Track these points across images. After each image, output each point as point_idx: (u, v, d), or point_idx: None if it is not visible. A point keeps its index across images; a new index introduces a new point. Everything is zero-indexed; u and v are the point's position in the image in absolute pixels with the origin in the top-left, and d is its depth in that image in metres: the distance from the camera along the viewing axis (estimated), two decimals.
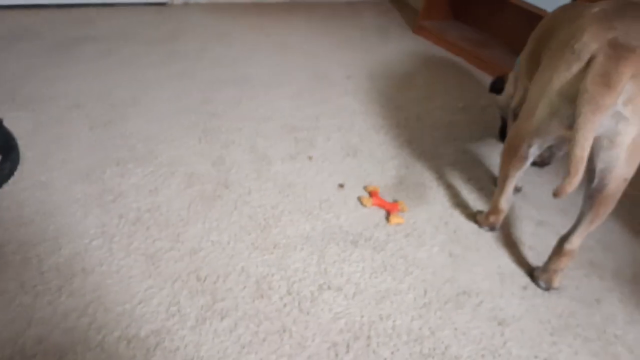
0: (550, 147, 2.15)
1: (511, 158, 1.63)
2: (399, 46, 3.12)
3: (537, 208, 1.96)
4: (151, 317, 1.28)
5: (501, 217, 1.77)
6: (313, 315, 1.37)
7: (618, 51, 1.28)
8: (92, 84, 2.13)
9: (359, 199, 1.81)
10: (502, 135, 2.30)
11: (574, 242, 1.56)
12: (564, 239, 1.58)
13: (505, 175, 1.68)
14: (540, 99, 1.45)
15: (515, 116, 1.95)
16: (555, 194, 1.32)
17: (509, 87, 2.07)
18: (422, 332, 1.39)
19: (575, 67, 1.35)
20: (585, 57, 1.32)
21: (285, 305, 1.38)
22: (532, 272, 1.65)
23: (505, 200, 1.74)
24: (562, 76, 1.38)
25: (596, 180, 1.44)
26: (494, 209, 1.76)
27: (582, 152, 1.28)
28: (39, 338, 1.19)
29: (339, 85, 2.54)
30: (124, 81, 2.20)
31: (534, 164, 2.20)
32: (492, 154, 2.22)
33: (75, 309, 1.27)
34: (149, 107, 2.07)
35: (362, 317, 1.39)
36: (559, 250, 1.59)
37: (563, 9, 1.75)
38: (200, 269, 1.44)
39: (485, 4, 3.31)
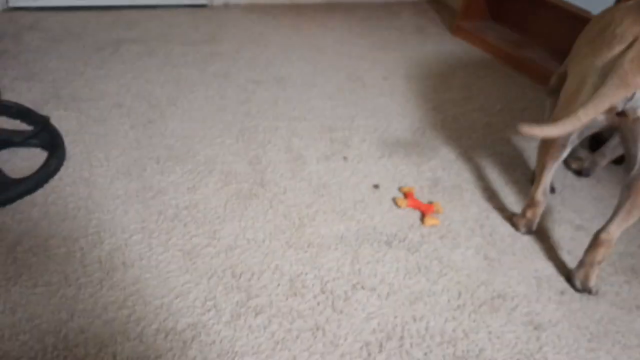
0: (593, 158, 2.10)
1: (549, 147, 1.61)
2: (436, 47, 3.10)
3: (576, 212, 1.92)
4: (188, 311, 1.31)
5: (538, 211, 1.74)
6: (346, 315, 1.38)
7: None
8: (132, 84, 2.19)
9: (394, 200, 1.81)
10: None
11: (611, 232, 1.52)
12: (600, 230, 1.54)
13: (542, 166, 1.66)
14: (582, 82, 1.43)
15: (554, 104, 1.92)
16: (520, 128, 1.33)
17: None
18: (455, 334, 1.38)
19: (618, 49, 1.34)
20: (629, 38, 1.32)
21: (318, 303, 1.39)
22: (568, 275, 1.62)
23: (542, 193, 1.71)
24: (604, 57, 1.37)
25: (637, 167, 1.42)
26: (531, 202, 1.74)
27: (584, 115, 1.29)
28: (81, 328, 1.24)
29: (376, 86, 2.54)
30: (163, 81, 2.25)
31: (575, 171, 2.16)
32: (530, 157, 2.19)
33: (115, 302, 1.30)
34: (187, 106, 2.12)
35: (395, 317, 1.39)
36: (595, 241, 1.55)
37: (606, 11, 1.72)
38: (236, 265, 1.46)
39: (524, 4, 3.26)
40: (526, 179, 2.05)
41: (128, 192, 1.64)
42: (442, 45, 3.15)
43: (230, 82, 2.35)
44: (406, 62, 2.85)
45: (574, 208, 1.94)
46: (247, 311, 1.34)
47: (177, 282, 1.39)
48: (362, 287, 1.46)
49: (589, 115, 1.31)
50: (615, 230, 1.52)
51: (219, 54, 2.58)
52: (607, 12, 1.63)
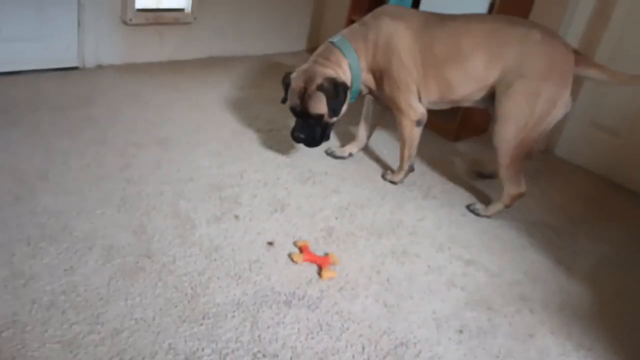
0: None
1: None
2: None
3: (465, 247, 2.00)
4: None
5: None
6: None
7: None
8: None
9: (290, 255, 1.77)
10: None
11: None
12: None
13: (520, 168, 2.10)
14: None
15: None
16: None
17: None
18: None
19: None
20: None
21: None
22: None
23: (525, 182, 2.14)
24: None
25: None
26: (520, 194, 2.15)
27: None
28: None
29: (262, 139, 2.53)
30: (30, 153, 2.08)
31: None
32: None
33: None
34: (60, 179, 1.96)
35: None
36: None
37: None
38: (124, 351, 1.34)
39: None
40: (413, 218, 2.11)
41: None
42: None
43: (108, 148, 2.22)
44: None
45: (463, 243, 2.02)
46: None
47: None
48: (264, 355, 1.39)
49: None
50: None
51: (93, 118, 2.44)
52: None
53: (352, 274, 1.75)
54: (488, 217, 2.21)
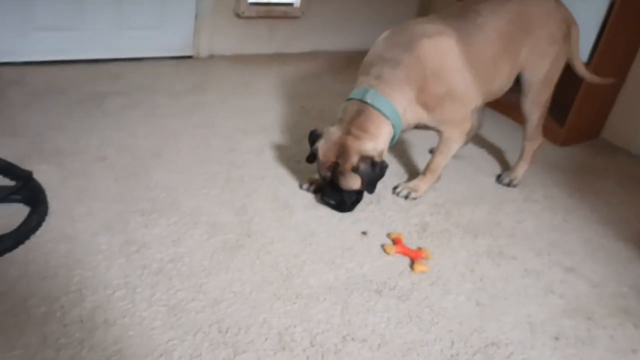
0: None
1: None
2: None
3: (566, 253, 1.91)
4: None
5: None
6: None
7: None
8: (116, 137, 2.18)
9: (383, 246, 1.79)
10: None
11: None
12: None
13: None
14: None
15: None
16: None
17: None
18: None
19: None
20: None
21: (308, 357, 1.35)
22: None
23: None
24: None
25: None
26: (540, 145, 2.28)
27: None
28: None
29: None
30: (147, 133, 2.25)
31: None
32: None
33: None
34: (172, 157, 2.10)
35: None
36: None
37: None
38: (222, 320, 1.42)
39: None
40: (511, 219, 2.04)
41: (111, 247, 1.61)
42: None
43: (216, 132, 2.35)
44: None
45: (564, 250, 1.93)
46: None
47: (161, 339, 1.34)
48: (353, 339, 1.42)
49: None
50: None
51: (204, 104, 2.59)
52: None
53: (445, 270, 1.74)
54: (516, 183, 2.28)
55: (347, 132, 1.81)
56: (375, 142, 1.82)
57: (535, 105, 2.16)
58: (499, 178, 2.32)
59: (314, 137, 1.90)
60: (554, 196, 2.28)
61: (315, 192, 2.01)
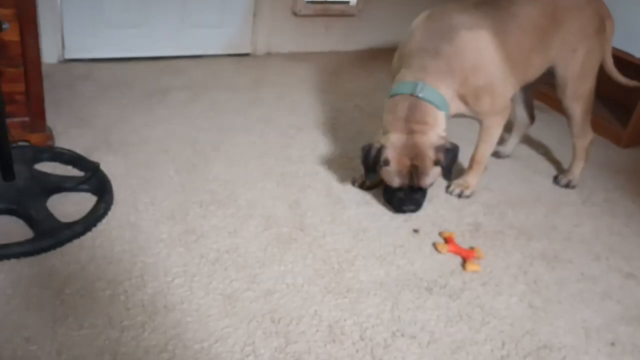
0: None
1: None
2: None
3: (626, 259, 1.86)
4: (227, 356, 1.32)
5: None
6: None
7: None
8: (178, 130, 2.27)
9: (434, 245, 1.79)
10: None
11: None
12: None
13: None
14: None
15: None
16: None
17: None
18: None
19: None
20: None
21: (357, 351, 1.38)
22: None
23: None
24: None
25: None
26: (591, 141, 2.23)
27: None
28: None
29: None
30: (207, 127, 2.33)
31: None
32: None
33: (156, 345, 1.32)
34: (230, 151, 2.17)
35: None
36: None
37: None
38: (275, 310, 1.46)
39: None
40: (568, 222, 2.00)
41: (171, 236, 1.68)
42: None
43: (272, 127, 2.40)
44: None
45: (623, 255, 1.88)
46: (285, 357, 1.33)
47: (217, 326, 1.40)
48: (402, 335, 1.44)
49: None
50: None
51: (261, 100, 2.65)
52: None
53: (497, 271, 1.72)
54: (574, 184, 2.24)
55: (411, 132, 1.78)
56: (438, 129, 1.80)
57: (575, 101, 2.11)
58: (556, 179, 2.27)
59: (374, 151, 1.81)
60: (615, 200, 2.21)
61: (368, 188, 2.03)
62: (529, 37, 1.92)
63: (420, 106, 1.78)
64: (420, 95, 1.77)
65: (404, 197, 1.85)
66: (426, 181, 1.82)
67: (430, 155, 1.77)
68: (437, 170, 1.81)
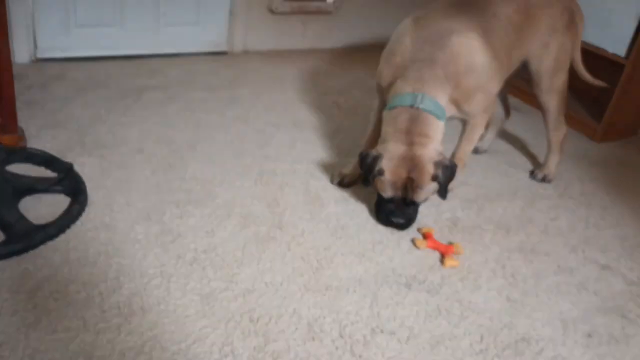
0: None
1: None
2: None
3: (602, 251, 1.88)
4: (205, 356, 1.30)
5: None
6: None
7: None
8: (154, 130, 2.24)
9: (413, 240, 1.79)
10: None
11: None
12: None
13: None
14: None
15: None
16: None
17: None
18: None
19: None
20: None
21: (337, 348, 1.37)
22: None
23: None
24: None
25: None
26: (565, 134, 2.26)
27: None
28: None
29: None
30: (183, 126, 2.30)
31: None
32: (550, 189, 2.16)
33: (133, 348, 1.30)
34: (207, 151, 2.15)
35: None
36: None
37: None
38: (254, 309, 1.45)
39: None
40: (543, 214, 2.02)
41: (148, 237, 1.66)
42: None
43: (249, 126, 2.38)
44: None
45: (599, 247, 1.90)
46: (264, 356, 1.32)
47: (194, 327, 1.38)
48: (382, 331, 1.44)
49: None
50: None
51: (238, 98, 2.63)
52: None
53: (476, 265, 1.73)
54: (550, 178, 2.28)
55: (411, 143, 1.74)
56: (437, 144, 1.78)
57: (550, 94, 2.15)
58: (532, 174, 2.30)
59: (369, 159, 1.78)
60: (590, 193, 2.24)
61: (346, 186, 2.03)
62: (509, 35, 1.94)
63: (422, 118, 1.75)
64: (420, 106, 1.74)
65: (394, 209, 1.81)
66: (420, 195, 1.78)
67: (429, 169, 1.74)
68: (433, 186, 1.77)
